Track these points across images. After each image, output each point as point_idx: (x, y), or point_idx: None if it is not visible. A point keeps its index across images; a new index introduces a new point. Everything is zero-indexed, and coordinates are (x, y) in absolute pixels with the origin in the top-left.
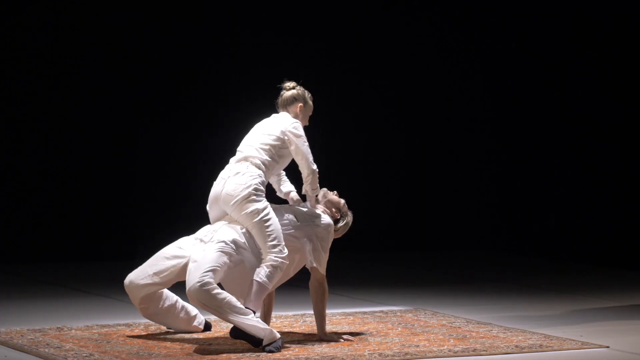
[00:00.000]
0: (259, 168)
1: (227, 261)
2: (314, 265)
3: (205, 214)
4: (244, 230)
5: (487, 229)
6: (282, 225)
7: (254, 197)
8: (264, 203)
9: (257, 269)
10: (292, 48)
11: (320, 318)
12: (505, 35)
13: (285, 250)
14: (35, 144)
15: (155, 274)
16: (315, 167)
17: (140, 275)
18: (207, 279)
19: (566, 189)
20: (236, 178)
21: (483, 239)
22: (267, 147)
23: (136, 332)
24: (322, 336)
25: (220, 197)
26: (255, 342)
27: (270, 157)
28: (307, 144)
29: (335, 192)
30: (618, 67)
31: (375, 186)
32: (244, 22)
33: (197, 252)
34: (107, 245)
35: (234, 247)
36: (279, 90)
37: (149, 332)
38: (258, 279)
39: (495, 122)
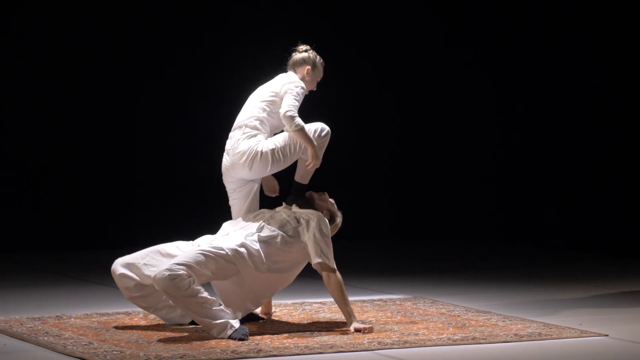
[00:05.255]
0: (255, 129)
1: (211, 265)
2: (320, 260)
3: (208, 200)
4: (253, 237)
5: (486, 218)
6: (274, 237)
7: (256, 148)
8: (264, 146)
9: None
10: (295, 26)
11: (346, 313)
12: (507, 24)
13: (317, 126)
14: (32, 132)
15: (145, 264)
16: (292, 113)
17: (129, 259)
18: (176, 270)
19: (564, 177)
20: (237, 147)
21: (481, 228)
22: (264, 104)
23: (135, 320)
24: (351, 328)
25: (230, 169)
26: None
27: (266, 114)
28: (297, 96)
29: (326, 193)
30: (616, 57)
31: (373, 174)
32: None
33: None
34: (107, 233)
35: (230, 255)
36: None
37: (149, 321)
38: (303, 159)
39: (493, 111)
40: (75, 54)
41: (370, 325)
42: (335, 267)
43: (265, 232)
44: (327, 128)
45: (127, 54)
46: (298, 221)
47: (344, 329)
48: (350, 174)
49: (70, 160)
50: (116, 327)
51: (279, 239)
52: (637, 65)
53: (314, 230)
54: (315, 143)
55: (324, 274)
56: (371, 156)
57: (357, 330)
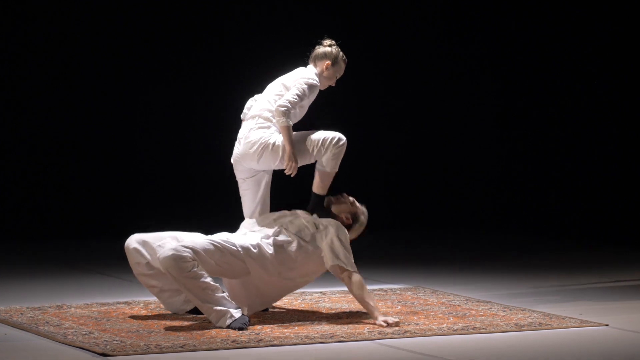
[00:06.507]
0: (268, 120)
1: (217, 256)
2: (336, 262)
3: (214, 193)
4: (269, 241)
5: (486, 207)
6: (290, 242)
7: (268, 140)
8: (277, 139)
9: (320, 159)
10: (301, 23)
11: (370, 310)
12: (507, 19)
13: (335, 135)
14: (33, 119)
15: (160, 246)
16: (285, 109)
17: (145, 237)
18: (181, 251)
19: (565, 166)
20: (249, 137)
21: (482, 217)
22: (277, 97)
23: (136, 310)
24: (378, 322)
25: (240, 158)
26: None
27: None
28: (301, 93)
29: (344, 194)
30: (616, 50)
31: (374, 164)
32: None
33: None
34: (107, 223)
35: (240, 252)
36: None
37: (149, 311)
38: (318, 168)
39: (495, 100)
40: (81, 49)
41: (396, 320)
42: (356, 270)
43: (282, 237)
44: (344, 138)
45: (132, 53)
46: (317, 227)
47: (346, 319)
48: (350, 165)
49: (71, 148)
50: (117, 317)
51: (294, 244)
52: (636, 59)
53: (332, 236)
54: (293, 146)
55: (344, 276)
56: (371, 146)
57: (384, 324)
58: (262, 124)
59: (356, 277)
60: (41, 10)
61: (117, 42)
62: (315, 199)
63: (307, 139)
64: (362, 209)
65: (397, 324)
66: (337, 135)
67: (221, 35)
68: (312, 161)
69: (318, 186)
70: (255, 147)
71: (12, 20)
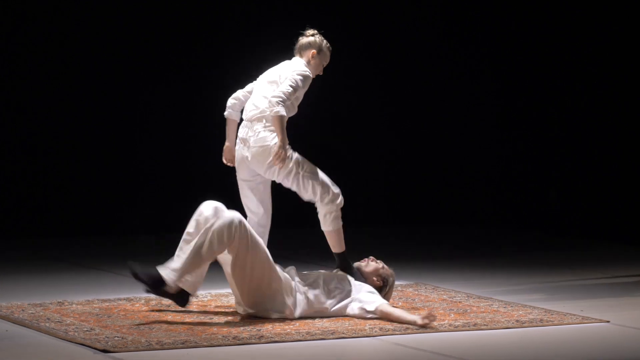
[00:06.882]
0: None
1: (255, 253)
2: (377, 304)
3: (211, 193)
4: (304, 287)
5: (487, 204)
6: (316, 278)
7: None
8: (293, 154)
9: (321, 219)
10: (301, 23)
11: (409, 322)
12: (507, 19)
13: (335, 189)
14: (33, 119)
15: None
16: (279, 100)
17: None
18: (235, 225)
19: (567, 163)
20: (258, 140)
21: (483, 214)
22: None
23: (137, 306)
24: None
25: (248, 161)
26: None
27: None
28: (294, 84)
29: (369, 258)
30: (616, 50)
31: (375, 159)
32: None
33: None
34: (108, 222)
35: (281, 279)
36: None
37: (150, 307)
38: (324, 229)
39: (495, 100)
40: (81, 49)
41: (428, 313)
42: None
43: (315, 286)
44: (341, 199)
45: (132, 53)
46: (350, 283)
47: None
48: (351, 159)
49: (70, 145)
50: (118, 313)
51: (321, 280)
52: (637, 59)
53: (364, 286)
54: (286, 138)
55: (380, 307)
56: (371, 140)
57: (426, 320)
58: (272, 127)
59: (390, 307)
60: (41, 10)
61: (117, 42)
62: (338, 258)
63: (312, 171)
64: (390, 271)
65: (433, 317)
66: (338, 192)
67: (221, 36)
68: (303, 194)
69: (333, 245)
70: (267, 155)
71: (12, 20)
